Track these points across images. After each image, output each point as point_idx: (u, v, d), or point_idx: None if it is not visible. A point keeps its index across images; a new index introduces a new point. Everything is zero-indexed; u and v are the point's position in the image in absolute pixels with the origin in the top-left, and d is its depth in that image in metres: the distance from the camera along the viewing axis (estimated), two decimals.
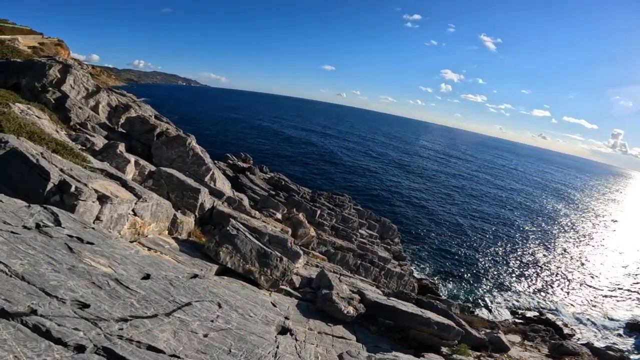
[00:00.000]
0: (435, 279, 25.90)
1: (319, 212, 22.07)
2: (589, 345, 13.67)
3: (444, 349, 6.76)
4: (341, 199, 27.14)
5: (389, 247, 23.76)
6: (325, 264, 10.44)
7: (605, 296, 31.07)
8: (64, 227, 3.17)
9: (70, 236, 3.04)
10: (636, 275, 38.98)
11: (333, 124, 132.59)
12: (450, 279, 27.62)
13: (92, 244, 3.08)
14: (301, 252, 8.70)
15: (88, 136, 9.58)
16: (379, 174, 57.75)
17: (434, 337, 6.73)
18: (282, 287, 6.79)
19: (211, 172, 9.51)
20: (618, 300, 30.59)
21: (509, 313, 24.85)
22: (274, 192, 25.57)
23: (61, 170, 4.66)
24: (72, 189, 4.23)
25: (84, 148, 9.08)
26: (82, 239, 3.08)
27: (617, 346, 20.45)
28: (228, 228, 6.31)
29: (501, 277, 30.45)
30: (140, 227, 5.12)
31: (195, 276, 3.30)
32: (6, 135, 5.41)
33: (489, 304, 25.44)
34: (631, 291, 33.53)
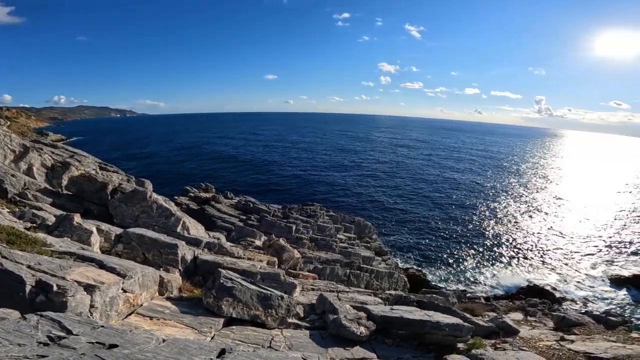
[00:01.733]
0: (422, 267, 26.67)
1: (294, 227, 21.80)
2: (589, 313, 14.61)
3: (460, 345, 6.88)
4: (312, 208, 27.04)
5: (369, 245, 24.06)
6: (320, 284, 10.27)
7: (580, 253, 33.63)
8: (77, 334, 3.00)
9: (91, 342, 2.89)
10: (599, 225, 42.89)
11: (285, 134, 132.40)
12: (434, 263, 28.59)
13: (115, 346, 2.92)
14: (295, 282, 8.50)
15: (34, 210, 8.60)
16: (340, 175, 58.55)
17: (448, 337, 6.84)
18: (290, 321, 6.63)
19: (182, 221, 8.97)
20: (592, 255, 33.33)
21: (499, 287, 26.16)
22: (244, 217, 24.87)
23: (29, 267, 4.32)
24: (55, 288, 4.01)
25: (35, 225, 8.17)
26: (103, 342, 2.94)
27: (615, 310, 22.21)
28: (222, 280, 6.01)
29: (479, 252, 32.08)
30: (133, 300, 4.97)
31: (223, 351, 3.18)
32: None
33: (478, 282, 26.66)
34: (600, 243, 36.76)
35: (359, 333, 6.49)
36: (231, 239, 14.79)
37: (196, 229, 9.64)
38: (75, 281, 4.24)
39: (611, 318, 14.70)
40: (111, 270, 4.91)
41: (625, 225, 42.81)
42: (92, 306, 4.15)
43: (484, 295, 23.56)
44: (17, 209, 9.08)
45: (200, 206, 24.96)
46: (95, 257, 5.42)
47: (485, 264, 29.40)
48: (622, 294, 25.78)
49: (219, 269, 6.51)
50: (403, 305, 8.66)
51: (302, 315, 7.41)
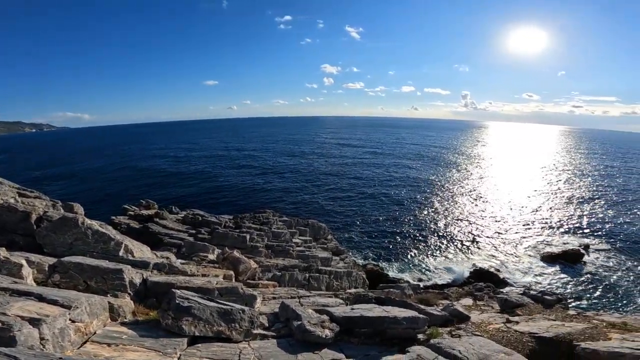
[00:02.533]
0: (379, 262, 27.53)
1: (248, 236, 21.24)
2: (527, 294, 16.04)
3: (420, 336, 7.23)
4: (265, 215, 26.62)
5: (325, 246, 24.28)
6: (281, 291, 10.12)
7: (514, 235, 37.05)
8: None
9: None
10: (527, 207, 47.72)
11: (230, 141, 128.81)
12: (390, 257, 29.72)
13: None
14: (255, 293, 8.30)
15: None
16: (290, 179, 58.50)
17: (407, 330, 7.18)
18: (256, 332, 6.52)
19: (123, 245, 8.27)
20: (525, 236, 36.92)
21: (450, 274, 27.85)
22: (194, 231, 23.65)
23: None
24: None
25: None
26: None
27: (550, 288, 24.61)
28: (178, 301, 5.71)
29: (428, 242, 34.02)
30: (84, 328, 4.79)
31: None
32: None
33: (431, 271, 28.19)
34: (530, 223, 40.86)
35: (324, 336, 6.55)
36: (182, 256, 13.95)
37: (141, 251, 8.91)
38: (17, 316, 4.00)
39: (547, 297, 16.42)
40: (53, 302, 4.64)
41: (549, 205, 48.46)
42: (42, 339, 4.00)
43: (437, 283, 25.04)
44: None
45: (143, 224, 23.26)
46: (32, 290, 5.04)
47: (435, 252, 31.30)
48: (554, 270, 29.01)
49: (173, 290, 6.17)
50: (363, 303, 8.85)
51: (267, 325, 7.32)
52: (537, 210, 45.19)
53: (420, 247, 32.08)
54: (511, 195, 53.04)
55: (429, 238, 34.30)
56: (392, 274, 25.68)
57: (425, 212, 42.35)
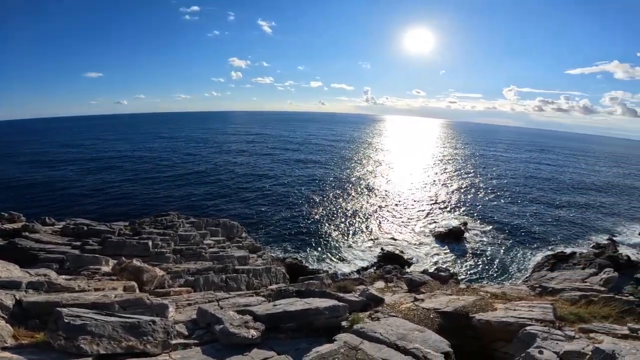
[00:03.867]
0: (297, 254, 27.53)
1: (150, 242, 18.93)
2: (426, 272, 17.73)
3: (344, 323, 7.44)
4: (168, 218, 24.14)
5: (241, 244, 23.23)
6: (196, 297, 9.21)
7: (411, 217, 41.07)
8: None
9: None
10: (420, 191, 53.49)
11: (116, 140, 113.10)
12: (307, 248, 30.04)
13: None
14: (166, 301, 7.37)
15: None
16: (194, 178, 54.56)
17: (331, 319, 7.32)
18: (175, 342, 5.80)
19: None
20: (420, 218, 41.12)
21: (363, 259, 29.39)
22: (79, 243, 20.03)
23: None
24: None
25: None
26: None
27: (443, 265, 27.57)
28: (67, 320, 4.68)
29: (340, 229, 35.51)
30: None
31: None
32: None
33: (346, 258, 29.34)
34: (423, 206, 45.79)
35: (250, 337, 6.25)
36: (66, 272, 11.61)
37: (8, 270, 7.05)
38: None
39: (442, 274, 18.59)
40: None
41: (435, 189, 55.50)
42: None
43: (352, 270, 26.35)
44: None
45: (8, 240, 18.83)
46: None
47: (347, 240, 32.93)
48: (445, 248, 33.25)
49: (58, 309, 5.02)
50: (284, 298, 8.69)
51: (187, 333, 6.59)
52: (427, 194, 51.58)
53: (335, 236, 33.40)
54: (406, 182, 59.46)
55: (340, 227, 35.94)
56: (310, 265, 26.09)
57: (337, 203, 44.32)
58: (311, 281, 14.95)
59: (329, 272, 23.23)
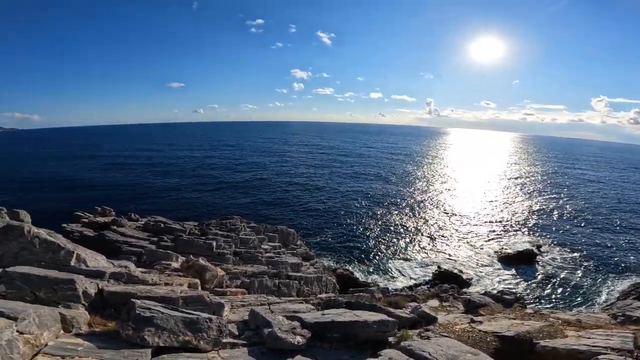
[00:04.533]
0: (348, 265, 27.57)
1: (215, 243, 20.51)
2: (488, 294, 16.60)
3: (391, 339, 7.26)
4: (232, 222, 25.88)
5: (295, 251, 23.99)
6: (250, 299, 9.78)
7: (475, 236, 38.63)
8: None
9: None
10: (486, 210, 50.07)
11: (195, 145, 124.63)
12: (359, 260, 29.92)
13: None
14: (223, 301, 7.96)
15: None
16: (257, 185, 57.55)
17: (378, 333, 7.20)
18: (225, 341, 6.24)
19: (75, 254, 7.67)
20: (485, 238, 38.51)
21: (417, 275, 28.38)
22: (156, 239, 22.49)
23: None
24: None
25: None
26: None
27: (508, 288, 25.64)
28: (138, 311, 5.34)
29: (396, 244, 34.70)
30: (34, 340, 4.61)
31: None
32: None
33: (400, 273, 28.63)
34: (489, 225, 42.80)
35: (296, 342, 6.43)
36: (143, 265, 13.14)
37: (96, 260, 8.26)
38: None
39: (506, 297, 17.13)
40: None
41: (505, 208, 51.26)
42: None
43: (405, 285, 25.51)
44: None
45: (98, 232, 21.83)
46: None
47: (402, 255, 31.97)
48: (511, 270, 30.52)
49: (133, 300, 5.76)
50: (333, 308, 8.75)
51: (237, 333, 7.03)
52: (494, 213, 47.72)
53: (389, 250, 32.65)
54: (471, 199, 55.72)
55: (396, 241, 35.01)
56: (361, 277, 25.85)
57: (392, 217, 43.29)
58: (361, 294, 14.84)
59: (380, 286, 22.78)
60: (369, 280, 25.58)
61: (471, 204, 52.18)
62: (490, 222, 43.67)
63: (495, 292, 21.56)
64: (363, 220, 40.78)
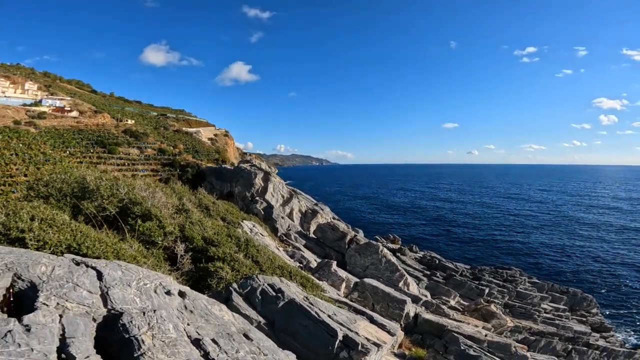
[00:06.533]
0: None
1: (487, 290, 20.51)
2: None
3: None
4: (510, 273, 24.61)
5: (584, 319, 19.65)
6: (539, 358, 9.71)
7: None
8: None
9: None
10: None
11: (467, 187, 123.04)
12: None
13: None
14: (527, 354, 7.80)
15: (302, 254, 12.04)
16: (547, 238, 49.02)
17: None
18: None
19: (404, 278, 10.37)
20: None
21: None
22: (429, 273, 25.07)
23: (329, 317, 4.62)
24: (360, 347, 4.14)
25: (301, 266, 11.24)
26: None
27: None
28: (463, 348, 6.28)
29: None
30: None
31: None
32: (274, 280, 5.25)
33: None
34: None
35: None
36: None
37: (413, 287, 10.87)
38: (365, 337, 4.31)
39: None
40: (382, 327, 5.27)
41: None
42: None
43: None
44: (288, 248, 12.93)
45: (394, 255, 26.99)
46: (365, 310, 6.01)
47: None
48: None
49: (453, 334, 6.88)
50: None
51: None
52: None
53: None
54: None
55: None
56: None
57: None
58: None
59: None
60: None
61: None
62: None
63: None
64: None
